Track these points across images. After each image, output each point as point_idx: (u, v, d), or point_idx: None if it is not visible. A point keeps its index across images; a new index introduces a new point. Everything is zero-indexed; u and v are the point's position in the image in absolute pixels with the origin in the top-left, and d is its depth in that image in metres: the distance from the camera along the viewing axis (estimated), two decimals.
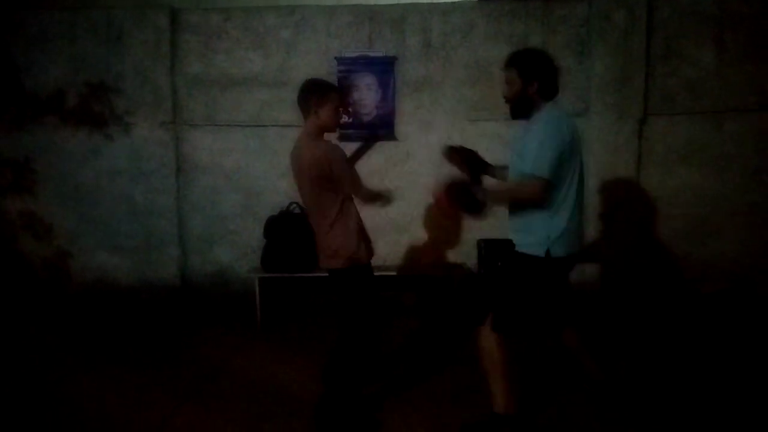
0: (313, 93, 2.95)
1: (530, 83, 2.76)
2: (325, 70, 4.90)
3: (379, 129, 4.88)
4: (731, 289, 4.75)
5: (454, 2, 4.87)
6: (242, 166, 5.08)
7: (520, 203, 2.79)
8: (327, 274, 3.06)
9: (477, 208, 2.73)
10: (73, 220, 5.15)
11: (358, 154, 3.28)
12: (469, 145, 3.18)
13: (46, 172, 5.10)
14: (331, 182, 2.85)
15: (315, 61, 4.93)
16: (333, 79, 4.90)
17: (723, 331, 4.35)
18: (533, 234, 2.75)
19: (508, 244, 2.90)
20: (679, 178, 4.84)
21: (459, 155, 3.08)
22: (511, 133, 4.80)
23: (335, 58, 4.92)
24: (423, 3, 4.88)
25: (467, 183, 2.86)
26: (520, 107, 2.83)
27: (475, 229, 4.80)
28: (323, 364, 3.10)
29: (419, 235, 5.03)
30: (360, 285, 2.97)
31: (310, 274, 4.68)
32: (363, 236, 2.98)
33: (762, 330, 4.30)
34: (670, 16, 4.73)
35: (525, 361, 3.67)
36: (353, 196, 2.96)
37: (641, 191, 4.84)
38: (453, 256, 5.03)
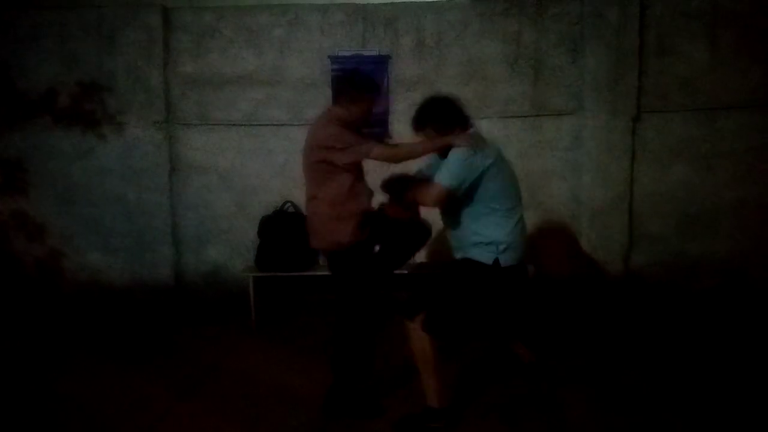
0: (354, 86, 2.98)
1: (451, 130, 2.88)
2: (318, 68, 4.90)
3: (373, 127, 4.87)
4: (724, 285, 4.78)
5: (447, 1, 4.86)
6: (236, 166, 5.06)
7: (462, 229, 2.90)
8: (325, 274, 3.11)
9: (398, 198, 3.02)
10: (65, 220, 5.12)
11: None
12: None
13: (38, 172, 5.08)
14: (336, 163, 2.89)
15: (309, 59, 4.92)
16: (327, 78, 4.90)
17: (716, 327, 4.37)
18: (481, 248, 2.84)
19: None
20: (672, 175, 4.85)
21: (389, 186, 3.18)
22: (505, 131, 4.85)
23: (329, 56, 4.91)
24: (416, 1, 4.88)
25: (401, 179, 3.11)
26: (446, 151, 2.90)
27: None
28: (327, 357, 3.16)
29: None
30: (358, 264, 3.02)
31: (304, 273, 4.68)
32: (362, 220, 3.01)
33: (755, 326, 4.32)
34: (663, 14, 4.74)
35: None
36: (385, 157, 3.01)
37: (635, 188, 4.85)
38: (448, 254, 5.02)
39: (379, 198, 3.19)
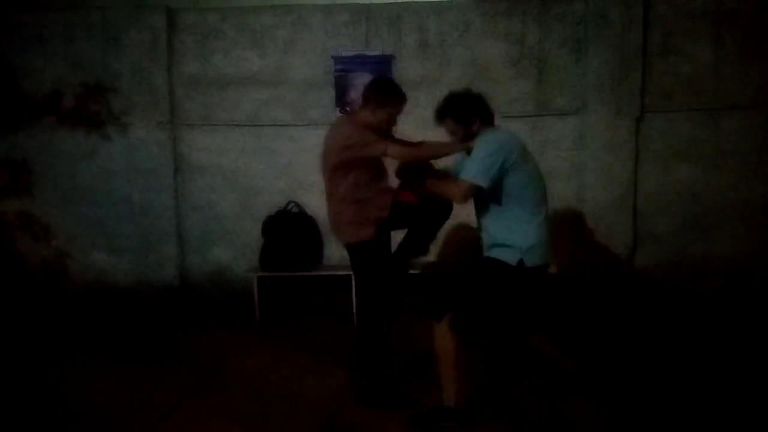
0: (379, 91, 3.05)
1: (472, 123, 2.91)
2: (322, 69, 4.91)
3: None
4: (728, 285, 4.77)
5: (450, 1, 4.86)
6: (240, 166, 5.08)
7: (489, 225, 2.91)
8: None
9: (418, 189, 3.04)
10: (70, 220, 5.14)
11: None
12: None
13: (43, 173, 5.10)
14: (354, 159, 2.95)
15: (312, 60, 4.93)
16: (330, 79, 4.91)
17: (720, 327, 4.36)
18: (506, 249, 2.83)
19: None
20: (676, 175, 4.84)
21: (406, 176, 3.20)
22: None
23: (332, 57, 4.91)
24: (419, 2, 4.88)
25: (416, 168, 3.13)
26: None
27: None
28: (332, 358, 3.21)
29: None
30: (373, 259, 3.09)
31: (309, 273, 4.69)
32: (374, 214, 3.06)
33: (759, 326, 4.31)
34: (667, 13, 4.73)
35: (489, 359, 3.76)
36: (395, 158, 3.05)
37: (639, 188, 4.85)
38: (453, 254, 5.03)
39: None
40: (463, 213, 3.29)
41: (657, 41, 4.75)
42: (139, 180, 5.06)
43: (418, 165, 3.16)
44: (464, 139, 2.94)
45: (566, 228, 4.90)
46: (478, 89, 4.73)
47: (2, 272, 5.13)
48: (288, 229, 4.71)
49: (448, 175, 3.16)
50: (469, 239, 4.94)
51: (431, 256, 5.01)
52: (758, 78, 4.71)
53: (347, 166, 2.98)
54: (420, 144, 3.24)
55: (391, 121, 3.09)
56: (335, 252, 4.80)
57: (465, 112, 2.91)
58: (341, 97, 4.88)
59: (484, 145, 2.80)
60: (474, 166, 2.77)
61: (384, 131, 3.09)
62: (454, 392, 2.86)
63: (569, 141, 4.88)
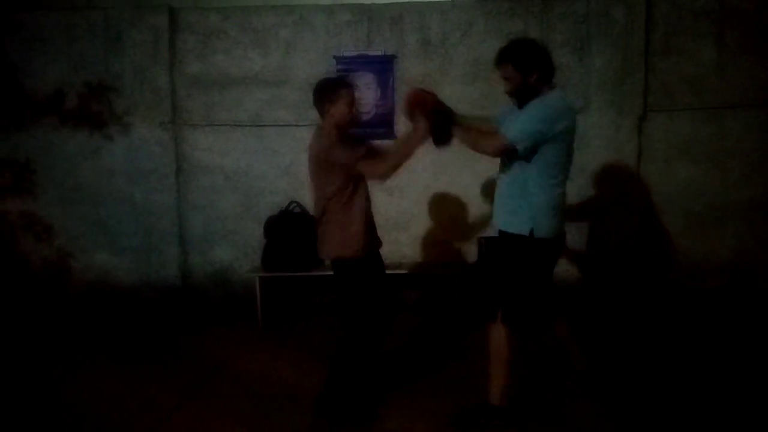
0: (324, 92, 2.99)
1: (530, 74, 2.81)
2: (324, 68, 4.90)
3: (379, 127, 4.87)
4: (731, 284, 4.76)
5: (452, 0, 4.86)
6: (242, 166, 5.08)
7: (508, 182, 2.88)
8: (328, 273, 3.10)
9: (443, 132, 2.88)
10: (73, 220, 5.15)
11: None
12: None
13: (45, 173, 5.11)
14: (332, 172, 2.88)
15: (314, 59, 4.93)
16: None
17: (723, 326, 4.35)
18: (517, 214, 2.83)
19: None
20: (679, 173, 4.83)
21: (426, 102, 2.99)
22: None
23: (334, 56, 4.91)
24: (422, 1, 4.87)
25: (446, 110, 2.97)
26: (525, 97, 2.85)
27: (477, 228, 4.83)
28: (328, 358, 3.12)
29: (419, 233, 5.02)
30: (357, 276, 3.00)
31: (311, 273, 4.68)
32: (364, 230, 2.99)
33: (762, 325, 4.30)
34: (669, 12, 4.72)
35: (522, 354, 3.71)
36: (372, 175, 2.96)
37: (641, 187, 4.84)
38: (453, 254, 5.03)
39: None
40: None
41: (660, 40, 4.74)
42: (141, 180, 5.06)
43: (444, 110, 2.97)
44: (517, 91, 2.86)
45: (568, 227, 4.89)
46: (480, 89, 4.85)
47: (5, 272, 5.14)
48: (290, 229, 4.71)
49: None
50: (452, 241, 4.97)
51: (418, 257, 5.03)
52: (761, 77, 4.69)
53: (329, 178, 2.91)
54: (383, 158, 3.02)
55: (350, 111, 2.99)
56: None
57: (527, 61, 2.81)
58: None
59: (539, 110, 2.74)
60: (518, 127, 2.72)
61: (349, 124, 3.01)
62: (502, 390, 2.84)
63: None
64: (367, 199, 3.05)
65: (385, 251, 3.28)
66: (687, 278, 4.82)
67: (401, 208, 4.96)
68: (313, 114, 4.89)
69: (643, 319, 4.55)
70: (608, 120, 4.75)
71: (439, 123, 2.89)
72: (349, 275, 3.01)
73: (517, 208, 2.84)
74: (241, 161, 5.07)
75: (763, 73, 4.69)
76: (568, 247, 3.09)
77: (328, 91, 2.98)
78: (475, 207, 4.92)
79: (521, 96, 2.87)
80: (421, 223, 5.01)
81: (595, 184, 4.80)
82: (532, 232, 2.79)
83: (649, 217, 4.86)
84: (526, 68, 2.80)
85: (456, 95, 4.91)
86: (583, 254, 4.84)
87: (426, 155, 4.89)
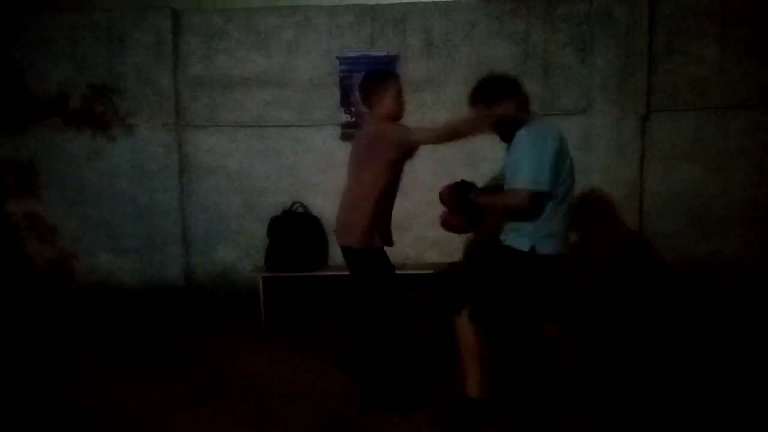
0: (372, 85, 3.08)
1: (503, 105, 2.87)
2: (327, 69, 4.91)
3: None
4: (735, 285, 4.75)
5: (455, 1, 4.86)
6: (245, 167, 5.08)
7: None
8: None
9: (470, 210, 2.98)
10: (76, 221, 5.16)
11: None
12: (471, 143, 3.22)
13: (49, 174, 5.12)
14: (379, 156, 2.98)
15: (317, 60, 4.94)
16: (335, 79, 4.91)
17: (727, 327, 4.34)
18: (520, 233, 2.86)
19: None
20: (682, 174, 4.82)
21: (451, 194, 3.11)
22: None
23: (337, 57, 4.91)
24: (424, 2, 4.88)
25: (467, 185, 3.07)
26: (509, 131, 2.89)
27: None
28: (336, 358, 3.24)
29: (422, 233, 5.02)
30: (383, 265, 3.14)
31: (314, 273, 4.69)
32: (390, 223, 3.14)
33: (766, 326, 4.29)
34: (672, 13, 4.72)
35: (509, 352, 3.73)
36: (434, 142, 3.12)
37: (644, 187, 4.83)
38: (456, 254, 5.03)
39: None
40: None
41: (662, 40, 4.73)
42: (144, 181, 5.07)
43: (462, 185, 3.08)
44: (500, 127, 2.89)
45: (571, 227, 4.88)
46: None
47: (9, 273, 5.15)
48: (293, 230, 4.72)
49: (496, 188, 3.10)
50: (455, 241, 4.96)
51: (420, 258, 5.03)
52: (764, 77, 4.68)
53: (373, 164, 3.02)
54: (444, 126, 3.20)
55: (400, 99, 3.10)
56: (340, 252, 4.79)
57: (497, 95, 2.86)
58: (346, 98, 4.87)
59: (531, 142, 2.74)
60: (527, 169, 2.71)
61: (397, 114, 3.12)
62: (477, 383, 2.86)
63: (574, 140, 4.81)
64: (395, 196, 3.16)
65: (387, 252, 3.29)
66: (690, 279, 4.81)
67: (403, 209, 4.93)
68: (316, 114, 4.99)
69: (645, 320, 4.54)
70: (611, 120, 4.75)
71: (465, 209, 3.02)
72: (375, 264, 3.10)
73: (519, 224, 2.86)
74: (244, 162, 5.08)
75: (766, 73, 4.68)
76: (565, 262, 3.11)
77: (377, 83, 3.06)
78: None
79: (504, 131, 2.91)
80: (424, 224, 5.00)
81: (597, 185, 4.79)
82: (533, 248, 2.83)
83: (652, 217, 4.85)
84: (498, 103, 2.86)
85: (458, 96, 4.92)
86: (584, 255, 4.83)
87: (428, 154, 4.91)
